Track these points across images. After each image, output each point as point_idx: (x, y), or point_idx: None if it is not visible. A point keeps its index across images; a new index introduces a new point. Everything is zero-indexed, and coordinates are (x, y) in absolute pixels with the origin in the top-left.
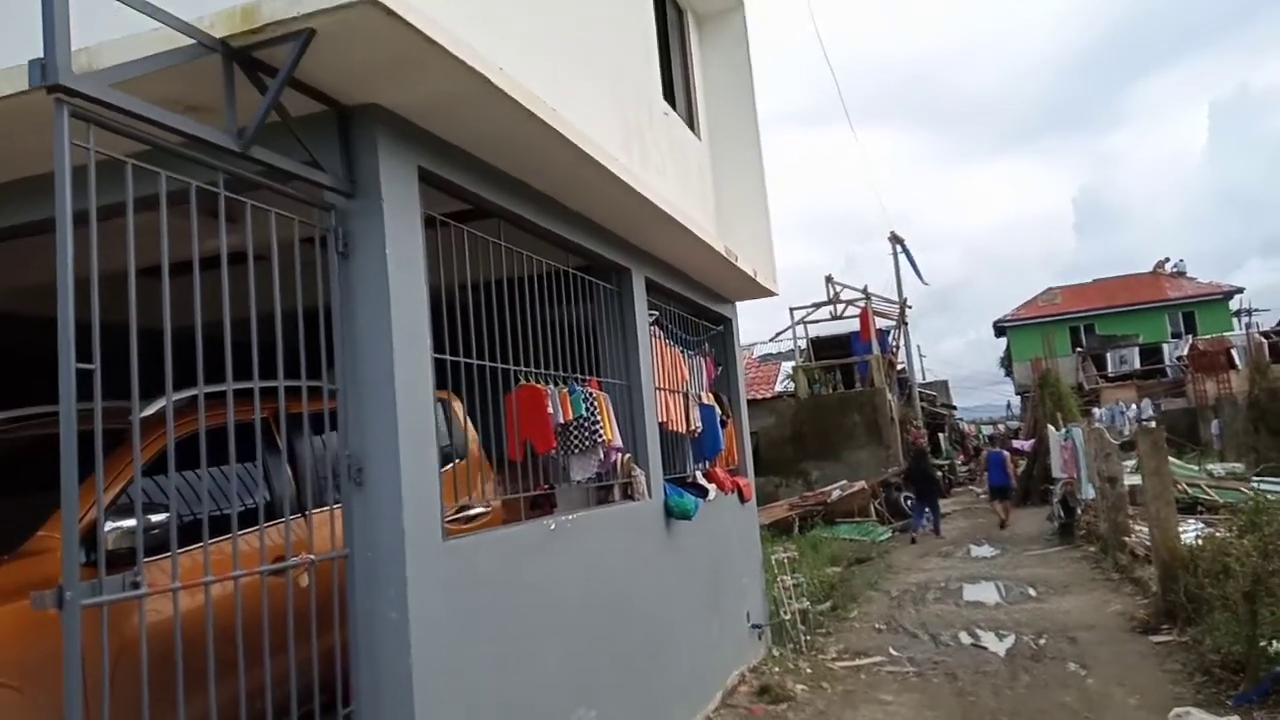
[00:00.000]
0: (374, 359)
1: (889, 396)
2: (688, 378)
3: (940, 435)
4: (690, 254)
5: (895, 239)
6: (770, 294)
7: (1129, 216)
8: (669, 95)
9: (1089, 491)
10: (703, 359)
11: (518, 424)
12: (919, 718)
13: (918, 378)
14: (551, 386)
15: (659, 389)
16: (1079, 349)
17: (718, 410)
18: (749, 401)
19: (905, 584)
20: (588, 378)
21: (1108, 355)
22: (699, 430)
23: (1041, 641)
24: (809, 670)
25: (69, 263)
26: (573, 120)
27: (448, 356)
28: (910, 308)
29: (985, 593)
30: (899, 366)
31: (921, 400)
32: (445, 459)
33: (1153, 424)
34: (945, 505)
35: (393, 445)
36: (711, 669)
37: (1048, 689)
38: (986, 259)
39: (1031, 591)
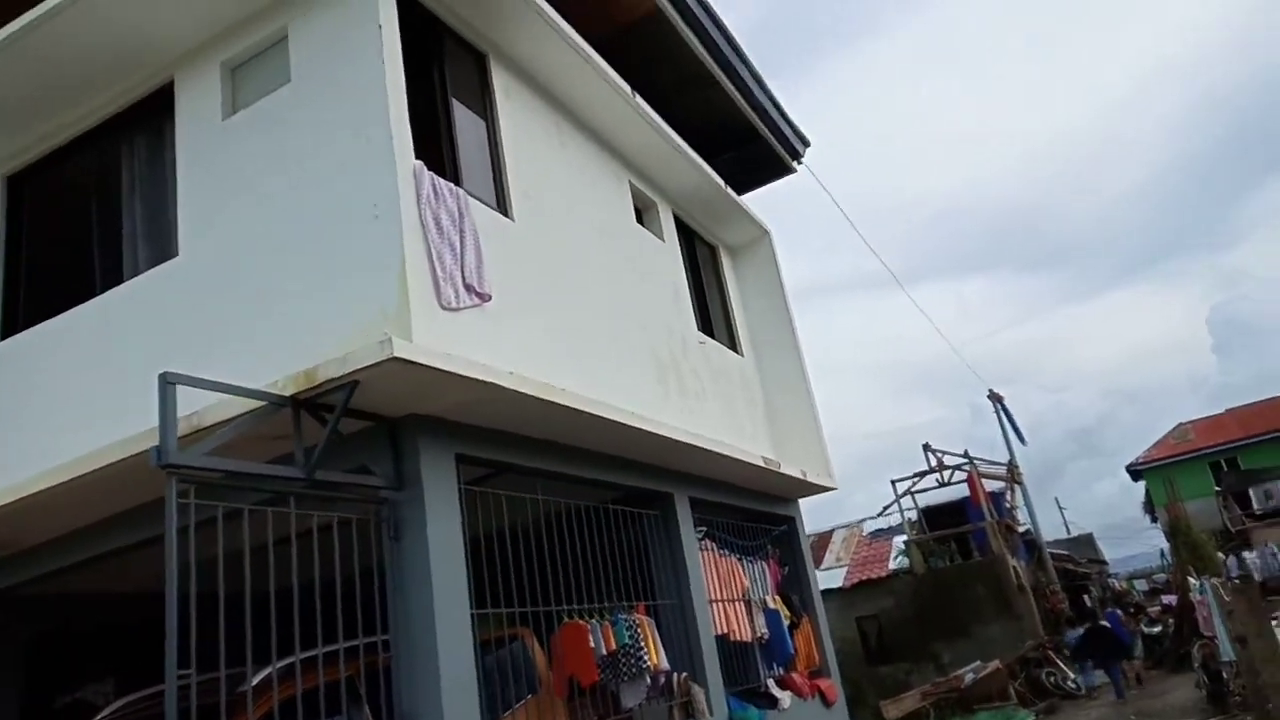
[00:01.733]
0: (420, 623)
1: (1012, 563)
2: (747, 584)
3: (1085, 596)
4: (732, 469)
5: (994, 397)
6: (827, 489)
7: (1273, 331)
8: (706, 324)
9: (1229, 651)
10: (765, 562)
11: (562, 661)
12: None
13: (1056, 534)
14: (594, 620)
15: (714, 602)
16: (1218, 488)
17: (784, 614)
18: (863, 582)
19: None
20: (634, 603)
21: (1251, 491)
22: (765, 637)
23: None
24: None
25: (174, 592)
26: (591, 386)
27: (489, 610)
28: (1017, 466)
29: None
30: (1021, 528)
31: (1059, 560)
32: (519, 694)
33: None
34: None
35: (436, 698)
36: None
37: None
38: (1127, 394)
39: None
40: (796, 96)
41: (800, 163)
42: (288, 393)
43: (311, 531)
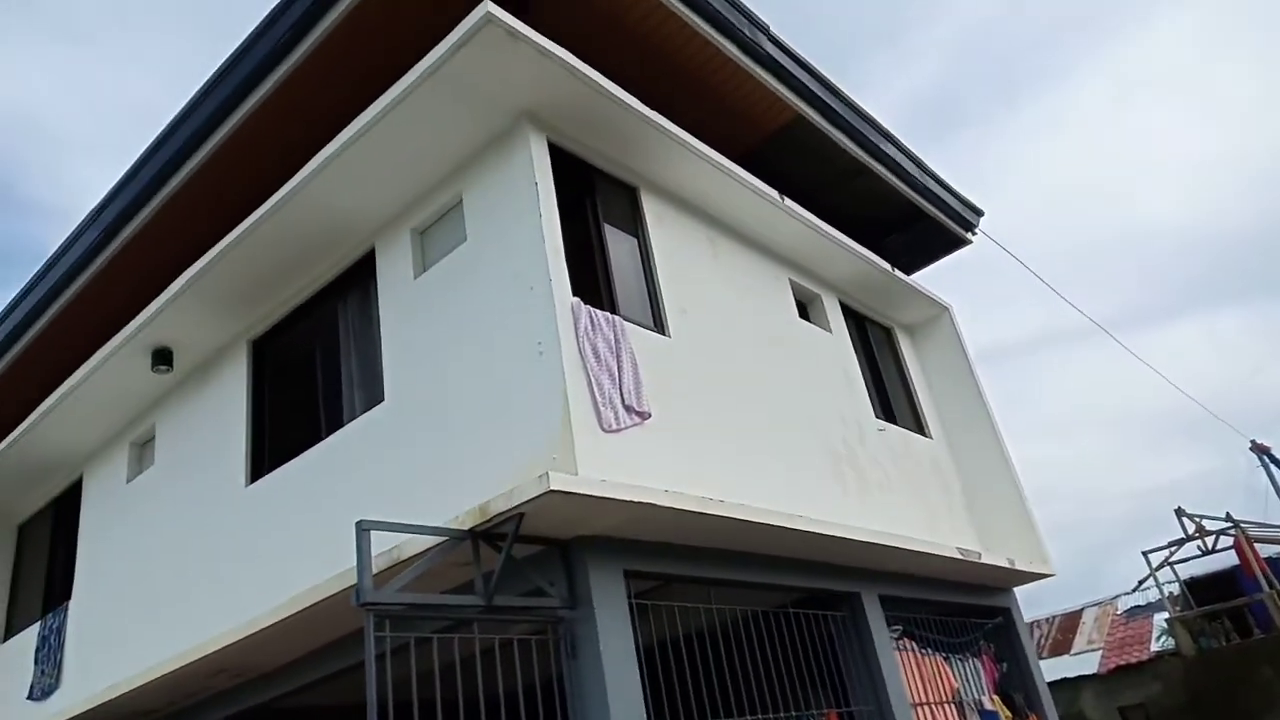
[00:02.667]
0: None
1: None
2: (956, 685)
3: None
4: (925, 562)
5: (1258, 449)
6: (1042, 576)
7: None
8: (887, 409)
9: None
10: (977, 659)
11: None
12: None
13: None
14: None
15: (919, 705)
16: None
17: (1003, 715)
18: (1123, 667)
19: None
20: (825, 711)
21: None
22: None
23: None
24: None
25: (374, 715)
26: (759, 490)
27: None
28: None
29: None
30: None
31: None
32: None
33: None
34: None
35: None
36: None
37: None
38: None
39: None
40: (992, 148)
41: (974, 233)
42: (466, 526)
43: (494, 650)
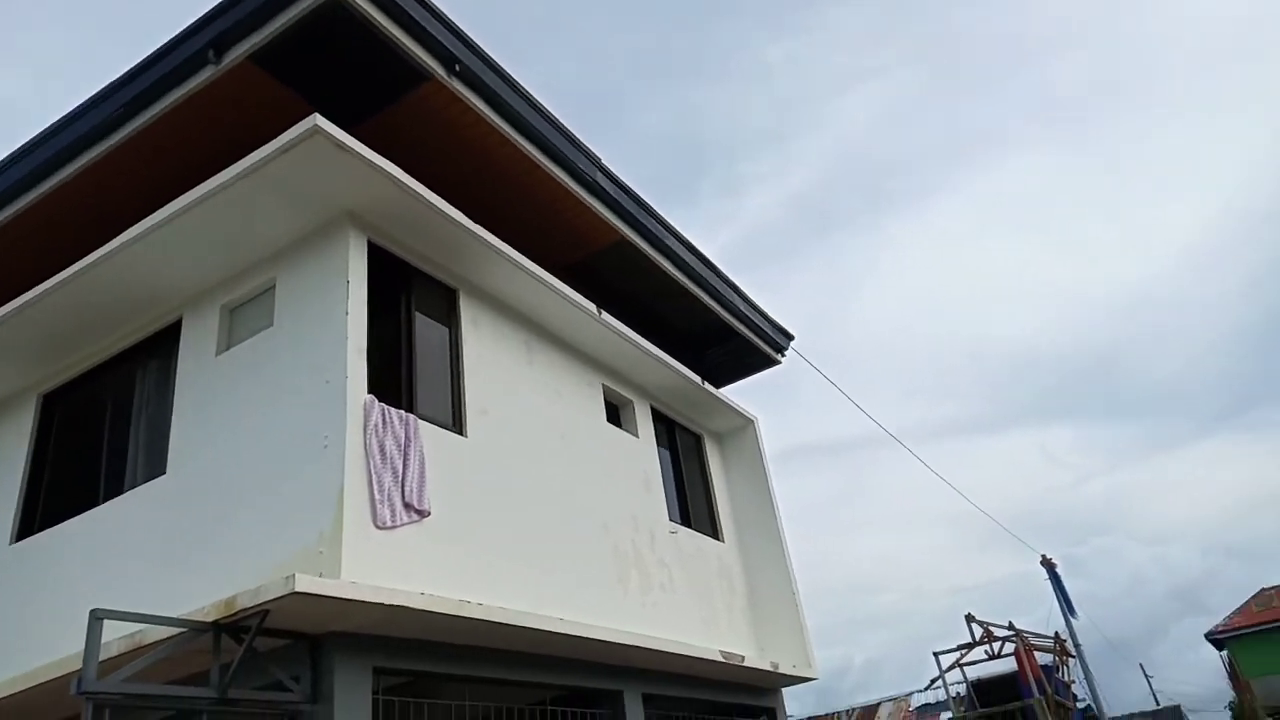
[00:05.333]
0: None
1: None
2: None
3: None
4: (691, 664)
5: (1046, 564)
6: (805, 680)
7: None
8: (685, 512)
9: None
10: None
11: None
12: None
13: (1144, 705)
14: None
15: None
16: None
17: None
18: None
19: None
20: None
21: None
22: None
23: None
24: None
25: None
26: (534, 593)
27: None
28: (1065, 639)
29: None
30: (1082, 703)
31: None
32: None
33: None
34: None
35: None
36: None
37: None
38: (1231, 549)
39: None
40: (860, 252)
41: (784, 355)
42: (211, 619)
43: None
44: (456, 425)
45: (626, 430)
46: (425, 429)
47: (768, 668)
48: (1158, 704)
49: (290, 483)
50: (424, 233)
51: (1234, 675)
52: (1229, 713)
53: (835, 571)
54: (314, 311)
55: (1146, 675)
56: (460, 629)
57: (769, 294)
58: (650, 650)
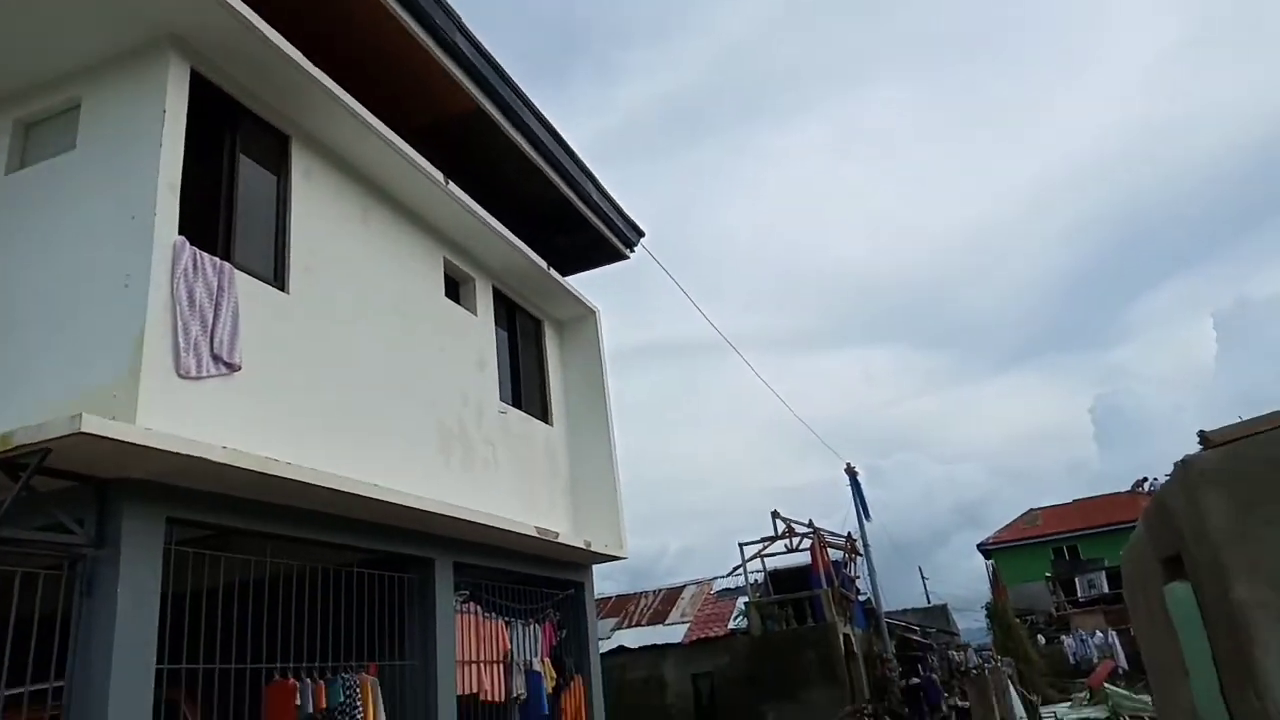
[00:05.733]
0: (97, 678)
1: (842, 631)
2: (509, 648)
3: (920, 665)
4: (507, 537)
5: (849, 471)
6: (616, 559)
7: (1151, 426)
8: (516, 394)
9: None
10: (540, 625)
11: (266, 717)
12: None
13: (918, 602)
14: (307, 680)
15: (468, 663)
16: (1049, 575)
17: (548, 676)
18: (703, 640)
19: None
20: (367, 664)
21: (1077, 580)
22: (523, 697)
23: None
24: None
25: None
26: (351, 457)
27: (184, 665)
28: (856, 539)
29: None
30: (862, 597)
31: (902, 629)
32: None
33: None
34: None
35: None
36: None
37: None
38: (1011, 473)
39: None
40: (725, 161)
41: (633, 250)
42: None
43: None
44: (278, 280)
45: (465, 307)
46: (242, 280)
47: (581, 545)
48: (929, 602)
49: (86, 320)
50: (256, 70)
51: (995, 581)
52: (985, 611)
53: (663, 466)
54: (123, 139)
55: (923, 577)
56: (266, 486)
57: (629, 192)
58: (465, 521)
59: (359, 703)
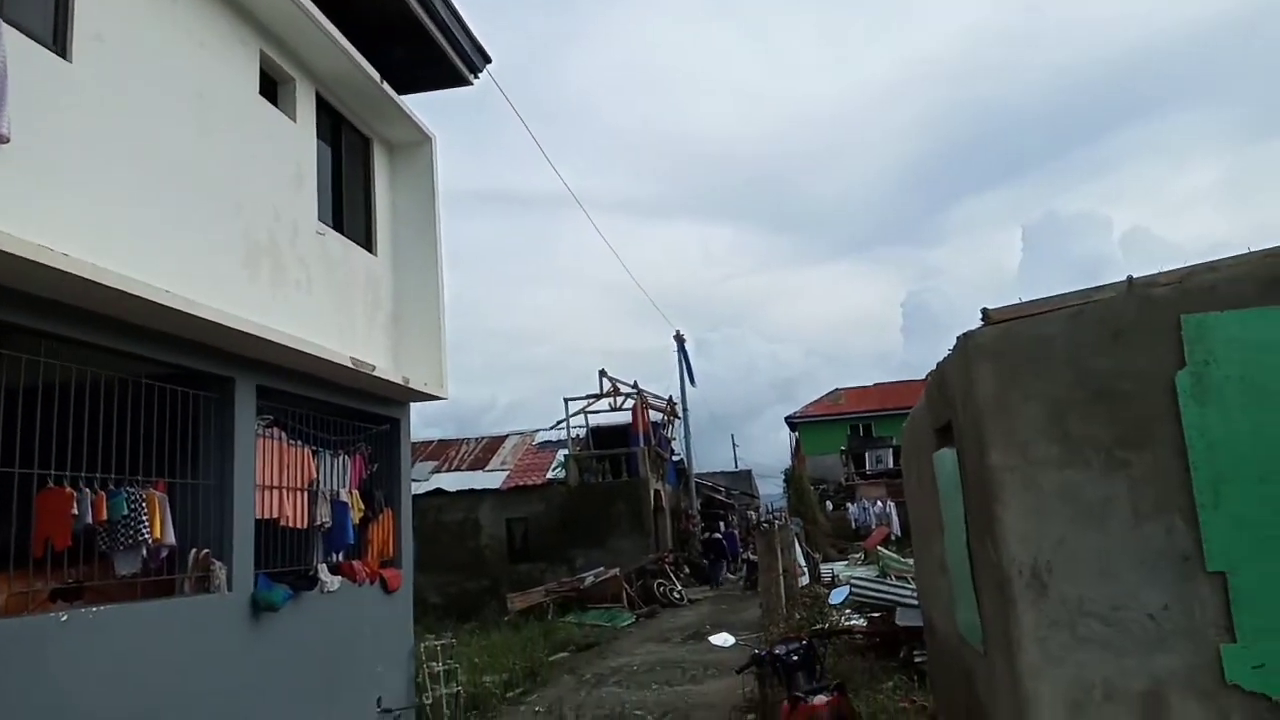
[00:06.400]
0: None
1: (654, 487)
2: (315, 476)
3: (721, 522)
4: (318, 365)
5: (678, 338)
6: (436, 398)
7: (953, 324)
8: (337, 216)
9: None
10: (349, 457)
11: (39, 524)
12: None
13: (726, 466)
14: (85, 490)
15: (269, 488)
16: (843, 448)
17: (351, 507)
18: (520, 487)
19: (604, 669)
20: (156, 479)
21: (867, 455)
22: (327, 526)
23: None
24: None
25: None
26: (138, 256)
27: None
28: (677, 402)
29: (663, 677)
30: (676, 457)
31: (709, 489)
32: None
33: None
34: (702, 591)
35: None
36: None
37: None
38: (826, 356)
39: (698, 675)
40: (591, 9)
41: (478, 76)
42: None
43: None
44: (58, 45)
45: (283, 110)
46: (12, 37)
47: (399, 381)
48: (737, 468)
49: None
50: None
51: (796, 451)
52: (784, 478)
53: (499, 319)
54: None
55: (734, 445)
56: (40, 279)
57: (479, 20)
58: (270, 343)
59: (144, 518)
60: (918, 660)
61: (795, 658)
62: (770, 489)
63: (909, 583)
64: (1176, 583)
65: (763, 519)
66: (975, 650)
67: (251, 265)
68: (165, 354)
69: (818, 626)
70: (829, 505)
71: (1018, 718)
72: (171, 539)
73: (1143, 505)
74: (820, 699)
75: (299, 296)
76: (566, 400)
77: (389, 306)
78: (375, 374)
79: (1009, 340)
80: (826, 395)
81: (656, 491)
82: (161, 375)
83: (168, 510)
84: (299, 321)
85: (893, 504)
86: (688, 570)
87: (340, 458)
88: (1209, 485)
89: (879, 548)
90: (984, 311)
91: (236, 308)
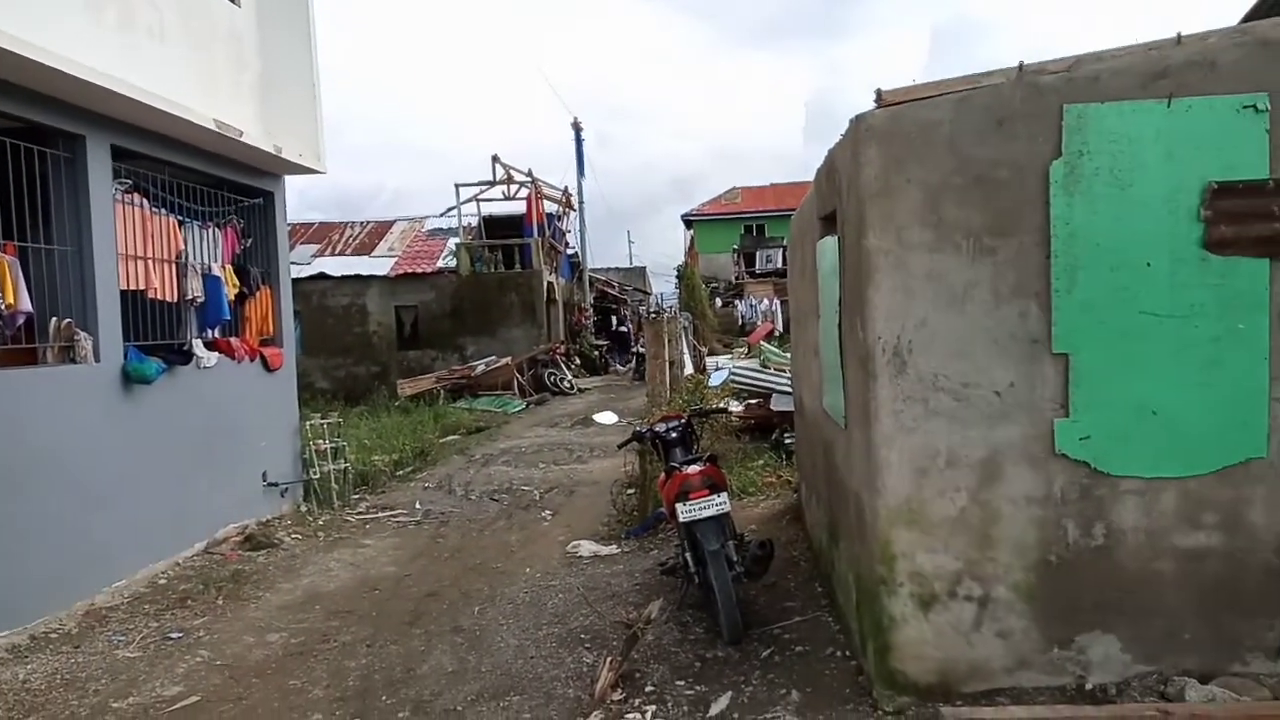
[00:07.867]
0: None
1: (547, 279)
2: (183, 248)
3: (614, 316)
4: (179, 126)
5: (575, 126)
6: (312, 171)
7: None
8: None
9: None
10: (220, 230)
11: None
12: (381, 555)
13: (620, 262)
14: None
15: (132, 258)
16: (735, 247)
17: (224, 282)
18: (409, 275)
19: (494, 450)
20: (1, 242)
21: (757, 254)
22: (200, 300)
23: (547, 494)
24: (323, 522)
25: None
26: None
27: None
28: (572, 195)
29: (550, 457)
30: (570, 250)
31: (602, 284)
32: None
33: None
34: (592, 382)
35: None
36: (195, 521)
37: (508, 530)
38: (726, 154)
39: (584, 455)
40: None
41: None
42: None
43: None
44: None
45: None
46: None
47: (269, 150)
48: (631, 264)
49: None
50: None
51: (690, 248)
52: (676, 273)
53: (391, 99)
54: None
55: (630, 241)
56: None
57: None
58: (120, 96)
59: None
60: (788, 442)
61: (674, 434)
62: (664, 287)
63: (786, 373)
64: (1023, 363)
65: (652, 311)
66: (837, 425)
67: (96, 8)
68: (2, 104)
69: (696, 408)
70: (719, 302)
71: (870, 482)
72: (27, 305)
73: (1002, 290)
74: (694, 468)
75: (152, 46)
76: (458, 186)
77: (257, 67)
78: (243, 140)
79: (897, 123)
80: (724, 194)
81: (550, 283)
82: (1, 129)
83: (20, 274)
84: (153, 75)
85: (779, 302)
86: (579, 362)
87: (210, 230)
88: (1065, 272)
89: (762, 342)
90: (878, 93)
91: (77, 53)
